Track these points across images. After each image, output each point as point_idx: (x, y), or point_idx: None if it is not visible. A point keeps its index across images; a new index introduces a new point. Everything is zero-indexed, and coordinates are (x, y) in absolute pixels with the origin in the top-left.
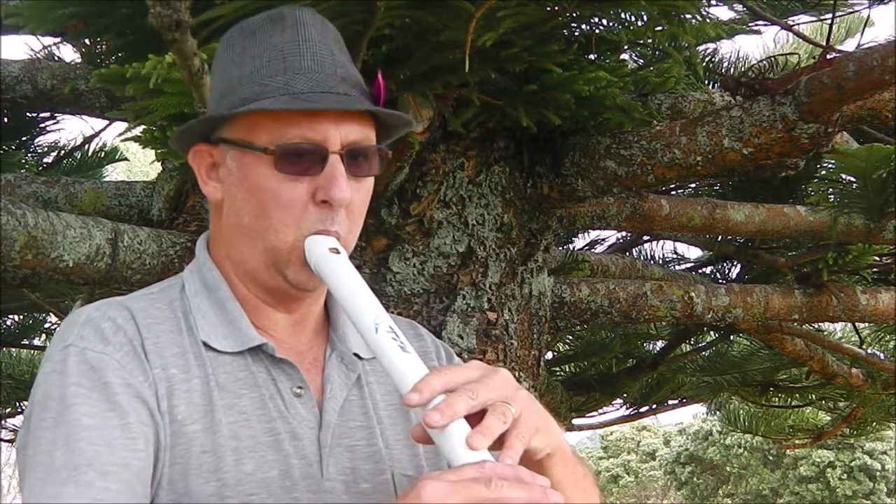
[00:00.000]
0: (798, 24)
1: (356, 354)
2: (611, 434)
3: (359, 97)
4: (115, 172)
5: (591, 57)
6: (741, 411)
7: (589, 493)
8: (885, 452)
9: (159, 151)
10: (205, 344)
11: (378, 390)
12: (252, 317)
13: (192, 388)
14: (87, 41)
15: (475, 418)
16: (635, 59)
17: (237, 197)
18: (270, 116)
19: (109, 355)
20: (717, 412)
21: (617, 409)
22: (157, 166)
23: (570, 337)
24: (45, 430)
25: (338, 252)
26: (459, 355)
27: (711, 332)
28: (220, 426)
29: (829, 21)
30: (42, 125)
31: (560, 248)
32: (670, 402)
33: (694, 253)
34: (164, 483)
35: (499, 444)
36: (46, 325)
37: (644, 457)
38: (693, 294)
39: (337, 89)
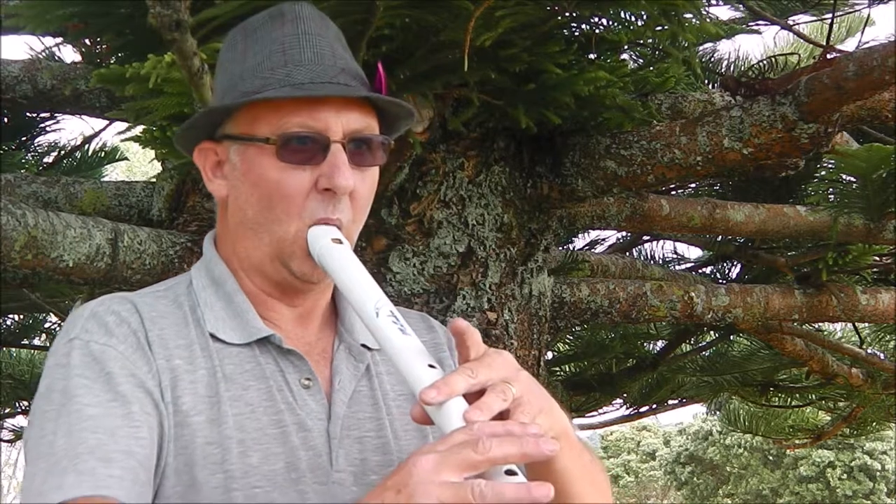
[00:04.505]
0: (798, 24)
1: (365, 346)
2: (611, 434)
3: (360, 87)
4: (115, 172)
5: (591, 57)
6: (741, 411)
7: (598, 479)
8: (885, 452)
9: (159, 151)
10: (212, 336)
11: (388, 381)
12: (259, 310)
13: (197, 380)
14: (87, 41)
15: (476, 399)
16: (635, 59)
17: (241, 191)
18: (272, 108)
19: (113, 347)
20: (717, 412)
21: (617, 409)
22: (158, 166)
23: (570, 337)
24: (48, 422)
25: (340, 242)
26: None
27: (711, 332)
28: (226, 418)
29: (829, 21)
30: (42, 125)
31: (560, 248)
32: (670, 402)
33: (694, 253)
34: (170, 473)
35: None
36: (46, 325)
37: (644, 457)
38: (693, 294)
39: (337, 79)
